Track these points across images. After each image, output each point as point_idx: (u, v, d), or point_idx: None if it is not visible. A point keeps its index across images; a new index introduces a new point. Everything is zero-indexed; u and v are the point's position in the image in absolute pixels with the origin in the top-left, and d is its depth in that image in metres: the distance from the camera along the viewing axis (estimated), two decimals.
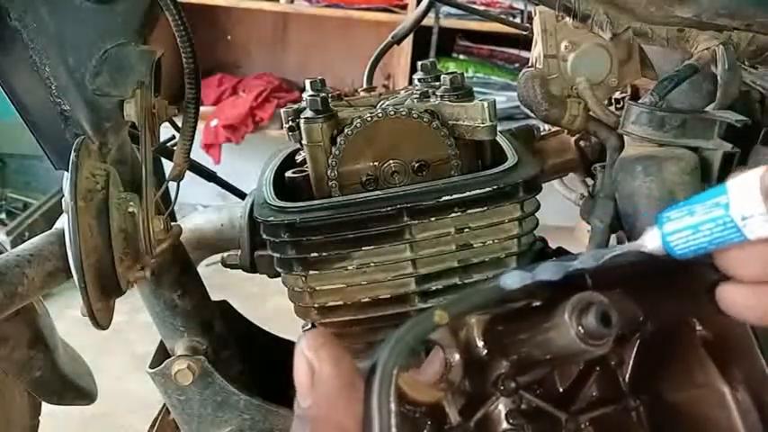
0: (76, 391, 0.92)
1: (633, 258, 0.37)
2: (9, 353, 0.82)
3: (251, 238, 0.76)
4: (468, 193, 0.64)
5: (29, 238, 0.71)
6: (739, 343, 0.38)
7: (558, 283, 0.36)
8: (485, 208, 0.65)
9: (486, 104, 0.65)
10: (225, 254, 0.82)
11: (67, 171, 0.62)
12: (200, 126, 2.37)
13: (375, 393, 0.31)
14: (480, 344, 0.40)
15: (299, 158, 0.78)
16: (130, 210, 0.67)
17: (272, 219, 0.65)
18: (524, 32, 0.99)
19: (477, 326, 0.40)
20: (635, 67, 0.86)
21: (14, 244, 2.18)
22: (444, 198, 0.64)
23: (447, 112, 0.67)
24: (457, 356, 0.39)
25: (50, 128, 0.67)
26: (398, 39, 1.00)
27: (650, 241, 0.36)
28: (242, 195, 1.00)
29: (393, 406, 0.31)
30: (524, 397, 0.41)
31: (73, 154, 0.62)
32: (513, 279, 0.36)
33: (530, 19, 1.56)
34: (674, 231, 0.35)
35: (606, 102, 0.92)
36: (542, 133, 0.96)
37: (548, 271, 0.36)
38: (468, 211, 0.65)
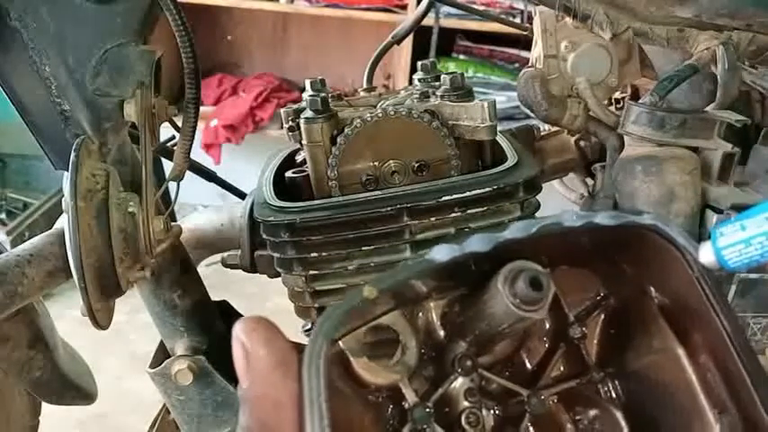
0: (76, 391, 0.92)
1: (565, 227, 0.38)
2: (9, 353, 0.82)
3: (251, 238, 0.76)
4: (468, 193, 0.64)
5: (29, 238, 0.71)
6: (696, 308, 0.39)
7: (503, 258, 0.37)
8: (485, 208, 0.65)
9: (486, 104, 0.65)
10: (225, 254, 0.82)
11: (67, 171, 0.62)
12: (201, 126, 2.37)
13: (305, 366, 0.32)
14: (438, 327, 0.41)
15: (299, 158, 0.78)
16: (130, 210, 0.67)
17: (272, 219, 0.65)
18: (524, 32, 0.99)
19: (434, 310, 0.41)
20: (635, 67, 0.86)
21: (14, 244, 2.19)
22: (444, 198, 0.64)
23: (447, 112, 0.67)
24: (412, 340, 0.40)
25: (50, 128, 0.67)
26: (398, 39, 1.00)
27: (705, 256, 0.37)
28: (242, 195, 1.00)
29: (323, 378, 0.32)
30: (484, 375, 0.41)
31: (73, 154, 0.62)
32: (442, 252, 0.37)
33: (530, 19, 1.57)
34: (727, 246, 0.37)
35: (606, 102, 0.93)
36: (542, 133, 0.96)
37: (477, 242, 0.37)
38: (468, 211, 0.65)
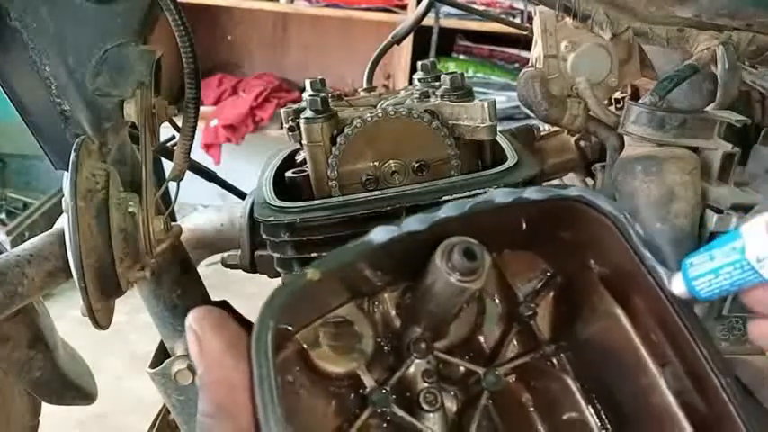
0: (76, 391, 0.92)
1: (496, 203, 0.39)
2: (9, 353, 0.82)
3: (251, 238, 0.76)
4: (468, 193, 0.64)
5: (29, 238, 0.71)
6: (632, 271, 0.40)
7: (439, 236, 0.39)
8: None
9: (486, 104, 0.65)
10: (225, 254, 0.82)
11: (67, 171, 0.62)
12: (201, 126, 2.37)
13: (253, 346, 0.33)
14: (395, 317, 0.43)
15: (299, 158, 0.78)
16: (130, 210, 0.67)
17: (272, 219, 0.65)
18: (524, 32, 0.99)
19: (389, 301, 0.43)
20: (635, 67, 0.86)
21: (14, 244, 2.18)
22: (444, 198, 0.64)
23: (447, 112, 0.67)
24: (368, 329, 0.42)
25: (50, 128, 0.67)
26: (398, 39, 1.00)
27: (676, 287, 0.39)
28: (242, 195, 1.00)
29: (271, 355, 0.33)
30: (440, 357, 0.43)
31: (73, 154, 0.62)
32: (380, 233, 0.38)
33: (530, 19, 1.57)
34: (697, 276, 0.38)
35: (606, 102, 0.93)
36: (542, 133, 0.96)
37: (414, 222, 0.39)
38: None
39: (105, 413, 1.87)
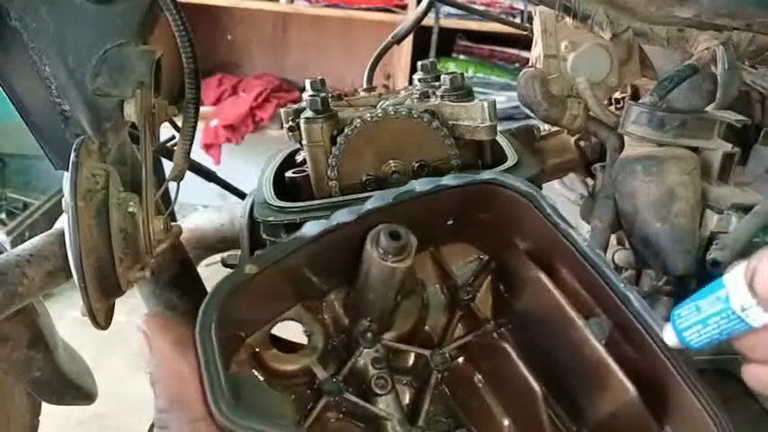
0: (76, 391, 0.92)
1: (418, 192, 0.43)
2: (9, 353, 0.82)
3: (251, 238, 0.76)
4: None
5: (29, 238, 0.71)
6: (551, 240, 0.44)
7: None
8: None
9: (486, 104, 0.65)
10: (225, 254, 0.82)
11: (67, 171, 0.62)
12: (201, 126, 2.37)
13: (198, 335, 0.37)
14: (343, 316, 0.46)
15: (299, 158, 0.78)
16: (130, 210, 0.67)
17: (272, 219, 0.65)
18: (524, 32, 0.99)
19: (336, 302, 0.46)
20: (635, 67, 0.86)
21: (14, 244, 2.18)
22: None
23: (447, 112, 0.67)
24: (317, 327, 0.45)
25: (50, 128, 0.67)
26: (398, 39, 1.00)
27: (668, 338, 0.40)
28: (242, 195, 1.00)
29: (215, 342, 0.36)
30: (388, 345, 0.45)
31: (73, 154, 0.62)
32: (312, 228, 0.42)
33: (530, 19, 1.57)
34: (687, 327, 0.39)
35: (606, 102, 0.93)
36: (542, 133, 0.96)
37: (343, 215, 0.42)
38: None
39: (105, 413, 1.87)
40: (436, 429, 0.43)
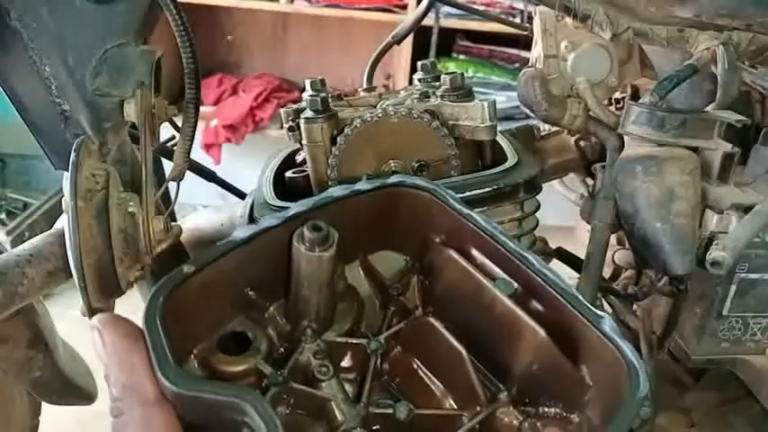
0: (76, 391, 0.92)
1: (335, 197, 0.47)
2: (9, 353, 0.82)
3: None
4: (468, 194, 0.64)
5: (29, 238, 0.71)
6: (458, 226, 0.48)
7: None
8: (485, 208, 0.65)
9: (486, 104, 0.65)
10: None
11: (67, 171, 0.62)
12: (201, 126, 2.37)
13: (144, 323, 0.40)
14: (284, 323, 0.49)
15: (299, 158, 0.78)
16: (130, 210, 0.67)
17: None
18: (524, 32, 0.99)
19: (277, 311, 0.49)
20: (635, 67, 0.86)
21: (14, 244, 2.18)
22: None
23: (447, 112, 0.67)
24: (259, 332, 0.47)
25: (50, 128, 0.67)
26: (398, 39, 1.00)
27: None
28: (242, 195, 1.00)
29: (161, 328, 0.39)
30: (327, 340, 0.48)
31: (73, 154, 0.62)
32: (242, 231, 0.45)
33: (530, 19, 1.57)
34: None
35: (606, 102, 0.93)
36: (542, 133, 0.96)
37: (269, 220, 0.45)
38: None
39: (105, 413, 1.86)
40: (378, 405, 0.46)
